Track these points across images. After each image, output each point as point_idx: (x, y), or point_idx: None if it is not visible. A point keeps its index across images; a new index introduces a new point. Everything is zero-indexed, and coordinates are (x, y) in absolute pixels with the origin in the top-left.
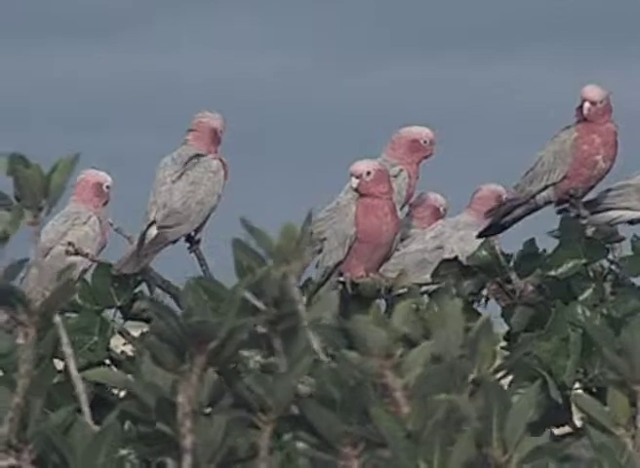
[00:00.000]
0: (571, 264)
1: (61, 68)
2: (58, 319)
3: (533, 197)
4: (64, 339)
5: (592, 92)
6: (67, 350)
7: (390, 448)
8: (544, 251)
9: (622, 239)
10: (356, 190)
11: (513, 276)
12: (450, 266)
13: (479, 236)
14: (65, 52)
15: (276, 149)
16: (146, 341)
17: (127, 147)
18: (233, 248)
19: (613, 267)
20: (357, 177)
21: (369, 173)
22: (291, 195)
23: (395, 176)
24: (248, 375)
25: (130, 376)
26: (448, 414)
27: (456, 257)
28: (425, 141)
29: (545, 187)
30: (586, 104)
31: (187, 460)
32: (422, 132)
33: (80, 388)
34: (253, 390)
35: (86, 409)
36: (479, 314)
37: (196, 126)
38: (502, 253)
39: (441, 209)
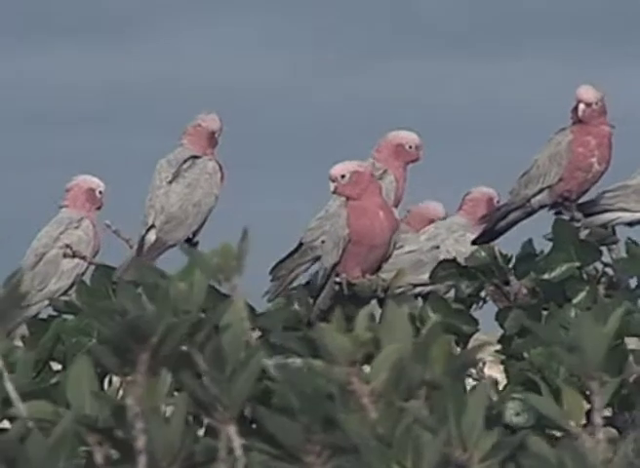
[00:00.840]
0: (564, 267)
1: (62, 68)
2: None
3: (528, 200)
4: None
5: (587, 93)
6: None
7: (362, 452)
8: (542, 252)
9: (617, 241)
10: (334, 193)
11: (511, 278)
12: (448, 267)
13: (473, 243)
14: (66, 52)
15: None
16: (87, 347)
17: (127, 148)
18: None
19: (607, 270)
20: (333, 181)
21: (343, 176)
22: (291, 195)
23: (380, 179)
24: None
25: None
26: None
27: (454, 259)
28: (411, 146)
29: (541, 190)
30: (581, 106)
31: (142, 461)
32: (408, 137)
33: (21, 410)
34: (208, 390)
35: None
36: (474, 318)
37: (194, 128)
38: (501, 255)
39: (441, 217)
